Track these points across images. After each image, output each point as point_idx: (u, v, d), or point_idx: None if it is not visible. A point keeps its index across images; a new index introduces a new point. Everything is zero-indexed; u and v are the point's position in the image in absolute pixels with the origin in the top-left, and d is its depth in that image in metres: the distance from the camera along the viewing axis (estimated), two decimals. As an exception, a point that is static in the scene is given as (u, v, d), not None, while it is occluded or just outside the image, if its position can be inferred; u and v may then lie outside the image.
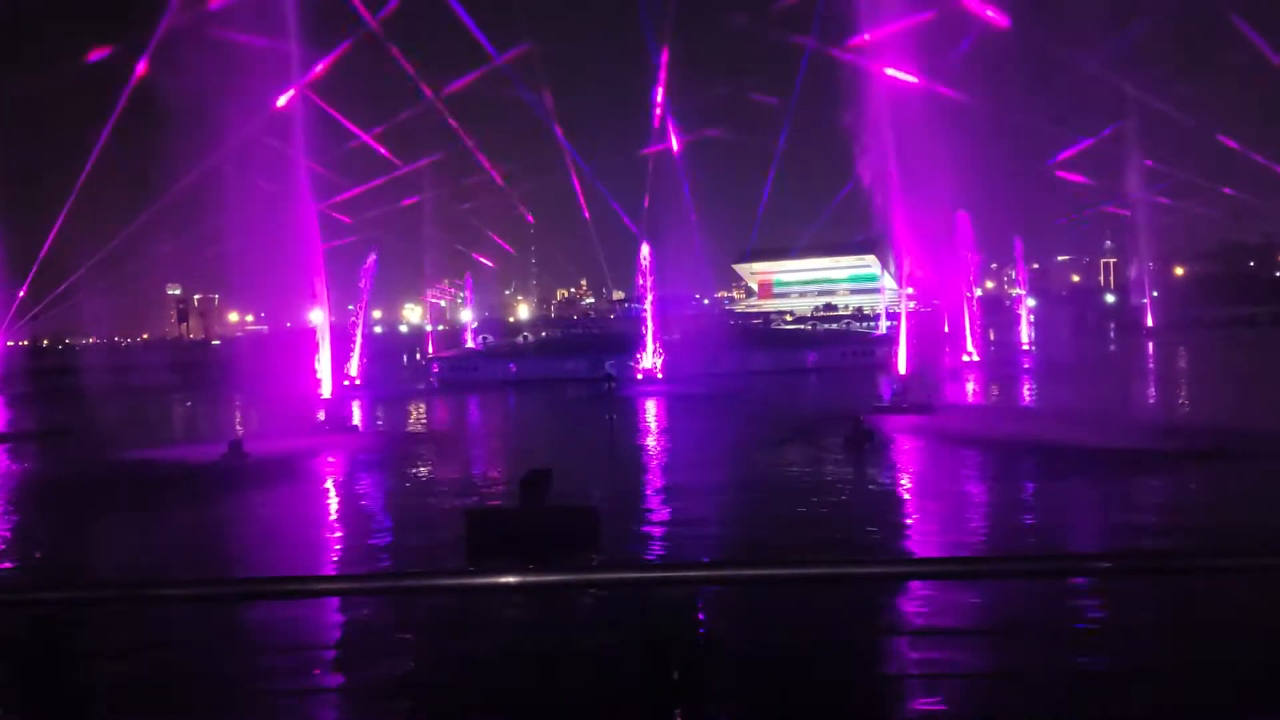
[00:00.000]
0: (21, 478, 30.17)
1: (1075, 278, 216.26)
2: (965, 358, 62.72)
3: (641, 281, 63.52)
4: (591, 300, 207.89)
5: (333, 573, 16.75)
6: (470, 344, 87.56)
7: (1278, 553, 3.89)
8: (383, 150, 76.13)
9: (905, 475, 25.35)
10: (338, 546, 19.09)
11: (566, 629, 11.23)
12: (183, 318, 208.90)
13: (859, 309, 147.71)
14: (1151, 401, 42.28)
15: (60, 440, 37.31)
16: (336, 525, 21.58)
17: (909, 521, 19.61)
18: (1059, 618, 11.50)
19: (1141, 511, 19.15)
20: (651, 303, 63.02)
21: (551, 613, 12.07)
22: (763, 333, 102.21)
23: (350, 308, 58.24)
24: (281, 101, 42.03)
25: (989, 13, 61.87)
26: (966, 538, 17.46)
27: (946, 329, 74.60)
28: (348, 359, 53.28)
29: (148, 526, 20.43)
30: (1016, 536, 17.41)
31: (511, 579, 3.92)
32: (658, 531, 18.89)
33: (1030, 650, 10.89)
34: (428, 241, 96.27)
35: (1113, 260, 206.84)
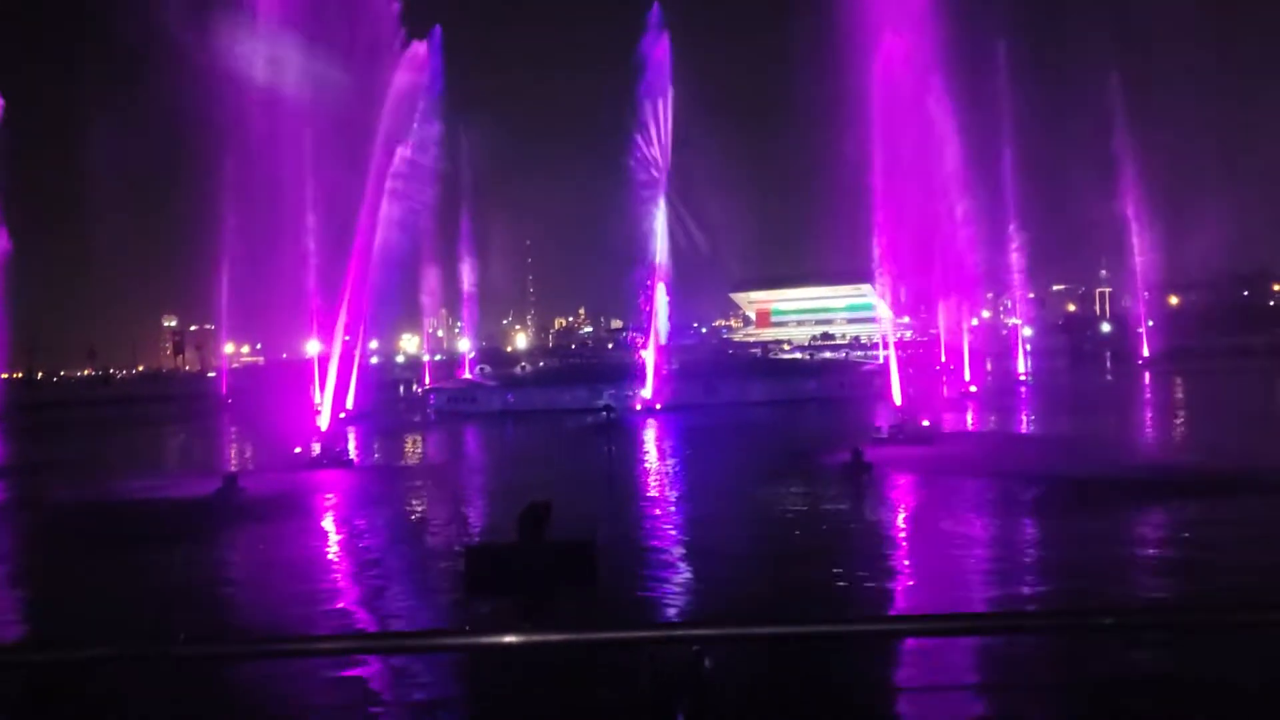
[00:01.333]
0: (5, 515, 29.86)
1: (1071, 306, 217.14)
2: (963, 388, 62.74)
3: (642, 309, 63.74)
4: (589, 329, 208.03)
5: (334, 615, 16.58)
6: (468, 374, 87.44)
7: None
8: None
9: (902, 510, 25.18)
10: (336, 589, 18.88)
11: (569, 678, 11.03)
12: (178, 349, 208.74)
13: (856, 338, 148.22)
14: (1150, 433, 42.26)
15: (51, 475, 37.03)
16: (334, 565, 21.36)
17: (905, 563, 19.33)
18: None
19: (1146, 549, 18.96)
20: (649, 332, 63.12)
21: (554, 661, 11.90)
22: (761, 362, 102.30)
23: (347, 337, 58.07)
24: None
25: None
26: (966, 580, 17.26)
27: (944, 359, 74.73)
28: (344, 390, 53.12)
29: (137, 568, 20.14)
30: (1018, 578, 17.21)
31: (513, 638, 3.81)
32: (656, 566, 18.75)
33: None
34: (427, 265, 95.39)
35: (1108, 290, 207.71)
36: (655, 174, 63.93)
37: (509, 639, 3.81)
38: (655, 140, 63.22)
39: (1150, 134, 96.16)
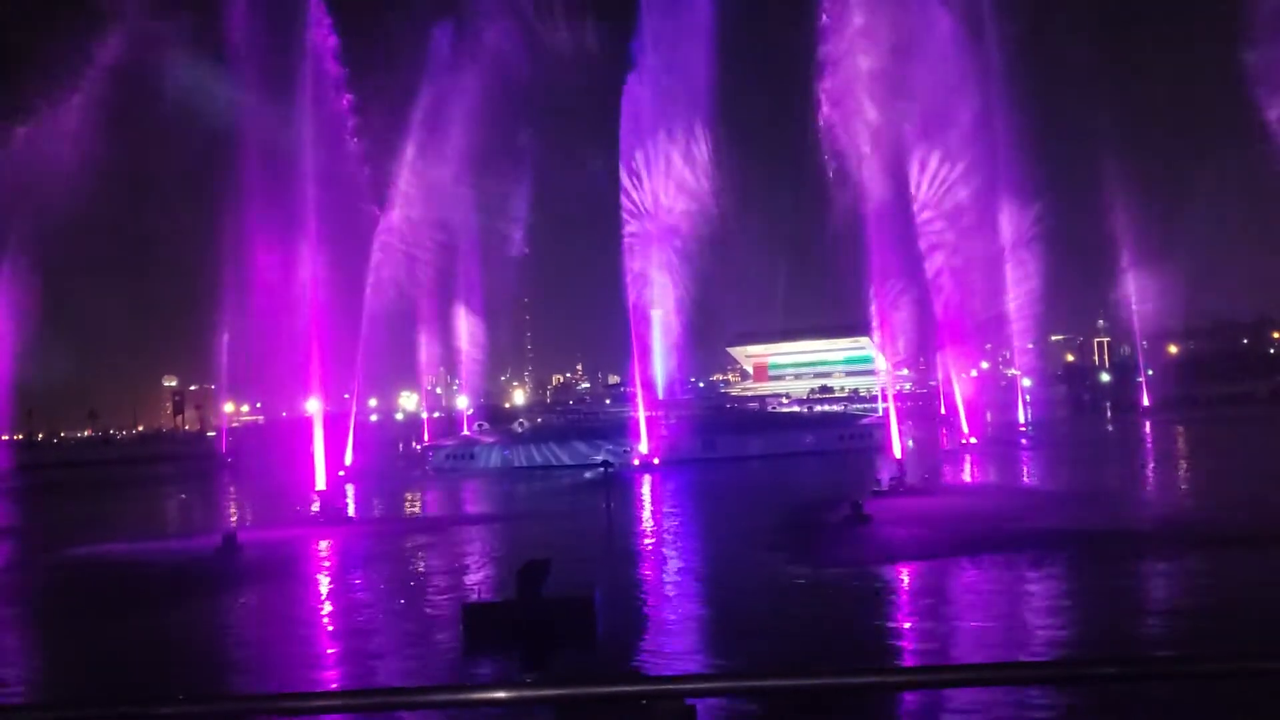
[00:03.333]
0: (9, 575, 29.67)
1: (1069, 356, 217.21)
2: (963, 440, 62.60)
3: (639, 365, 64.07)
4: (587, 385, 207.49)
5: (333, 674, 16.51)
6: (467, 431, 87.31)
7: None
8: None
9: (901, 567, 24.94)
10: (334, 646, 18.76)
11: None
12: (178, 409, 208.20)
13: (855, 391, 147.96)
14: (1152, 486, 41.97)
15: (54, 534, 36.90)
16: (333, 623, 21.24)
17: (900, 624, 19.09)
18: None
19: (1140, 609, 18.79)
20: (647, 387, 63.29)
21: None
22: (759, 416, 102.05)
23: (346, 396, 58.22)
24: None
25: None
26: (959, 631, 17.13)
27: (943, 410, 74.69)
28: (343, 447, 53.07)
29: (138, 627, 20.08)
30: (1011, 630, 17.09)
31: (504, 694, 3.83)
32: (653, 621, 18.67)
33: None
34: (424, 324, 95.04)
35: (1106, 339, 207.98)
36: (653, 230, 64.51)
37: (500, 694, 3.83)
38: (654, 197, 63.85)
39: (1150, 183, 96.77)
